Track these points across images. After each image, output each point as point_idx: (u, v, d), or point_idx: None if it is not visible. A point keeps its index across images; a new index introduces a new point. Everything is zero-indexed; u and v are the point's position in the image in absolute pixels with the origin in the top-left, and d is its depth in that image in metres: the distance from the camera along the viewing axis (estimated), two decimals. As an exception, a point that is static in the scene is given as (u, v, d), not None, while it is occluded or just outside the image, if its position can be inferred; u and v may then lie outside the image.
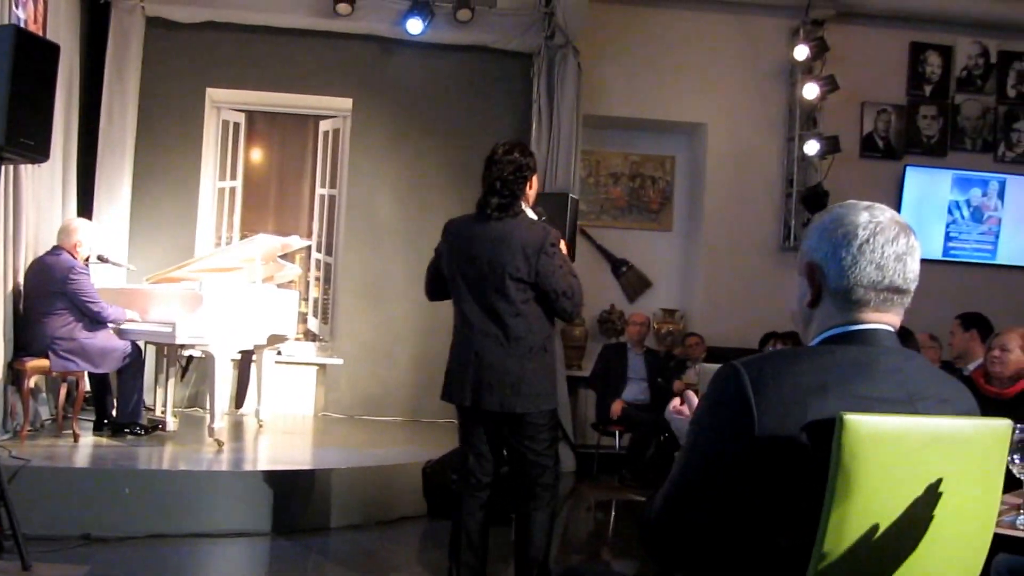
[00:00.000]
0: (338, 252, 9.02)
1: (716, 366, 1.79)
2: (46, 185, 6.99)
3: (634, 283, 9.65)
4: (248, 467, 6.08)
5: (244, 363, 8.08)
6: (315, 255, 9.24)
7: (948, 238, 9.56)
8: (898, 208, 8.73)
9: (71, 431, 6.28)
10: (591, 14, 8.66)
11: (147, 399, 7.00)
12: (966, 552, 1.74)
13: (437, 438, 7.12)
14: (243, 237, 8.71)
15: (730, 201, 9.37)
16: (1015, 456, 2.50)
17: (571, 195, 8.07)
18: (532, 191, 4.19)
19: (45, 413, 6.95)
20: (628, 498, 7.69)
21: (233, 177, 9.08)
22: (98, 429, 6.66)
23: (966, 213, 9.60)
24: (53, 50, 5.20)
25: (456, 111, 8.83)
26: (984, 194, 9.59)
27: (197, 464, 5.92)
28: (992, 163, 9.74)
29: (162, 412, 7.09)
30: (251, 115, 9.22)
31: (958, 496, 1.65)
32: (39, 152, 5.00)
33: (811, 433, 1.59)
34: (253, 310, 6.68)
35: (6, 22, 5.78)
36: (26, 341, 6.24)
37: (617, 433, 8.46)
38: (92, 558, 4.75)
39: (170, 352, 7.14)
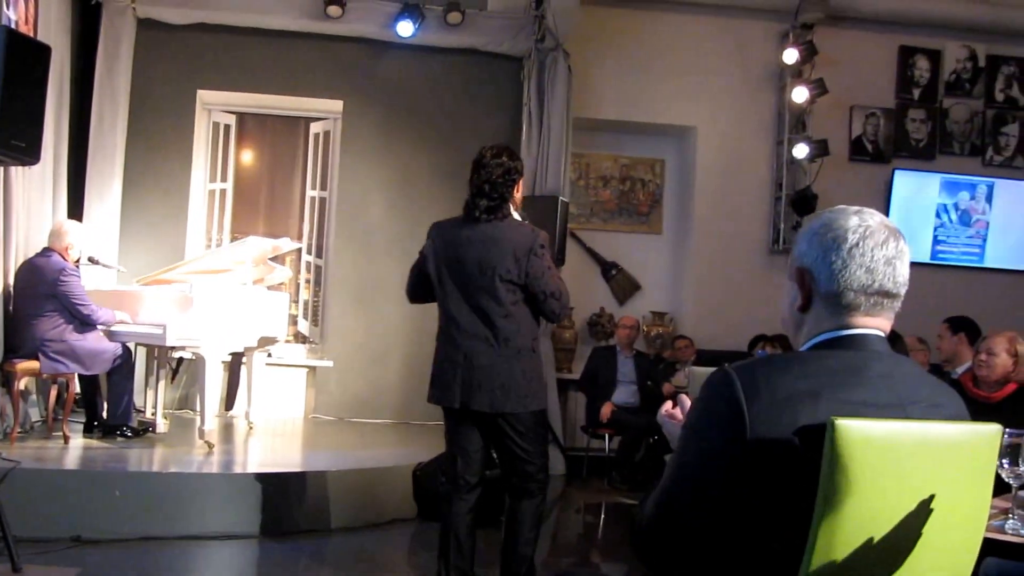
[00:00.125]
0: (328, 254, 9.02)
1: (706, 369, 1.81)
2: (36, 186, 6.98)
3: (624, 286, 9.67)
4: (238, 469, 6.08)
5: (234, 365, 8.08)
6: (305, 257, 9.23)
7: (936, 241, 9.60)
8: (886, 211, 8.80)
9: (61, 433, 6.28)
10: (581, 17, 8.68)
11: (137, 401, 7.00)
12: (956, 556, 1.75)
13: (427, 440, 7.11)
14: (234, 239, 8.70)
15: (719, 204, 9.39)
16: (1004, 460, 2.51)
17: (561, 198, 8.11)
18: (518, 194, 4.22)
19: (35, 415, 6.94)
20: (617, 501, 7.71)
21: (224, 179, 9.08)
22: (88, 431, 6.65)
23: (954, 217, 9.64)
24: (44, 51, 5.20)
25: (446, 114, 8.84)
26: (972, 198, 9.64)
27: (187, 466, 5.91)
28: (980, 167, 9.79)
29: (152, 414, 7.07)
30: (242, 117, 9.21)
31: (948, 500, 1.66)
32: (30, 154, 5.00)
33: (803, 438, 1.60)
34: (243, 312, 6.67)
35: (-3, 23, 5.78)
36: (16, 343, 6.23)
37: (607, 436, 8.46)
38: (83, 560, 4.74)
39: (160, 354, 7.12)
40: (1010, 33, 9.70)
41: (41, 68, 5.10)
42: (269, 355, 8.06)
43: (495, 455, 4.27)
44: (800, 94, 9.10)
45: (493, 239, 4.04)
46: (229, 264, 7.17)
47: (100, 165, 8.03)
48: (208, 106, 8.95)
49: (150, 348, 7.16)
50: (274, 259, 7.53)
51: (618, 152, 9.78)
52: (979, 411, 2.20)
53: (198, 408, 6.68)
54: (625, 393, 8.38)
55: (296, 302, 9.13)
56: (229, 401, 8.25)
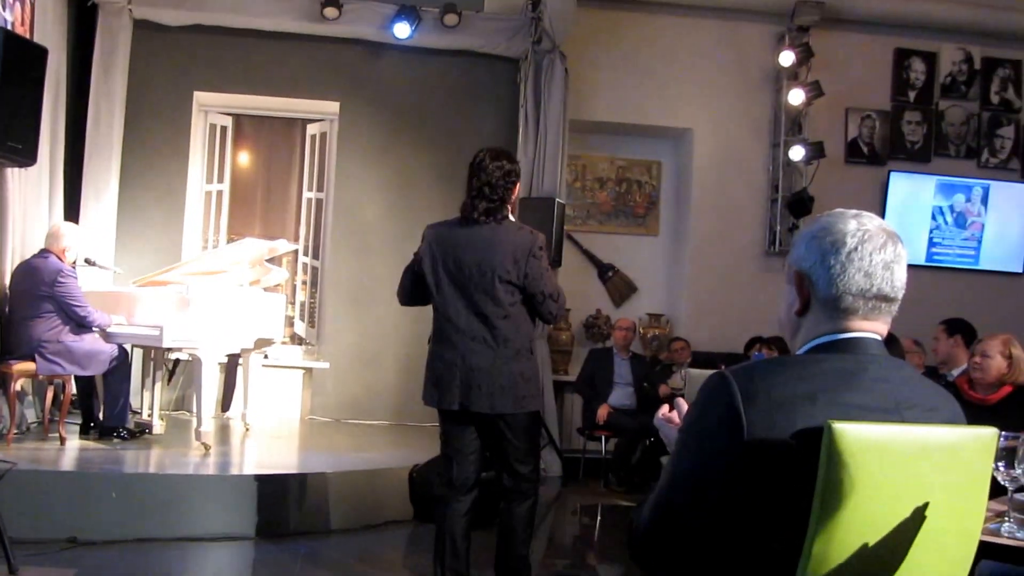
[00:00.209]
0: (325, 256, 9.02)
1: (702, 371, 1.81)
2: (33, 188, 6.97)
3: (620, 288, 9.68)
4: (235, 471, 6.08)
5: (231, 366, 8.08)
6: (302, 259, 9.23)
7: (931, 243, 9.62)
8: (882, 214, 8.77)
9: (57, 434, 6.27)
10: (578, 19, 8.68)
11: (134, 402, 6.98)
12: (952, 558, 1.75)
13: (423, 442, 7.11)
14: (230, 241, 8.70)
15: (716, 206, 9.40)
16: (1000, 463, 2.51)
17: (557, 200, 8.11)
18: (515, 197, 4.23)
19: (31, 416, 6.93)
20: (614, 503, 7.71)
21: (220, 180, 9.07)
22: (84, 432, 6.64)
23: (949, 219, 9.66)
24: (41, 53, 5.20)
25: (443, 115, 8.84)
26: (968, 200, 9.66)
27: (184, 468, 5.91)
28: (976, 169, 9.81)
29: (148, 415, 7.06)
30: (238, 118, 9.21)
31: (944, 503, 1.66)
32: (26, 155, 5.01)
33: (800, 441, 1.60)
34: (240, 314, 6.66)
35: (-7, 25, 5.77)
36: (12, 344, 6.22)
37: (603, 438, 8.46)
38: (79, 562, 4.74)
39: (157, 355, 7.12)
40: (1005, 35, 9.72)
41: (37, 70, 5.12)
42: (266, 356, 8.05)
43: (490, 456, 4.27)
44: (796, 96, 9.12)
45: (492, 241, 4.06)
46: (226, 265, 7.16)
47: (96, 166, 8.01)
48: (204, 107, 8.94)
49: (147, 349, 7.15)
50: (271, 261, 7.52)
51: (614, 154, 9.79)
52: (975, 413, 2.21)
53: (195, 409, 6.66)
54: (621, 395, 8.38)
55: (292, 303, 9.13)
56: (226, 402, 8.25)
